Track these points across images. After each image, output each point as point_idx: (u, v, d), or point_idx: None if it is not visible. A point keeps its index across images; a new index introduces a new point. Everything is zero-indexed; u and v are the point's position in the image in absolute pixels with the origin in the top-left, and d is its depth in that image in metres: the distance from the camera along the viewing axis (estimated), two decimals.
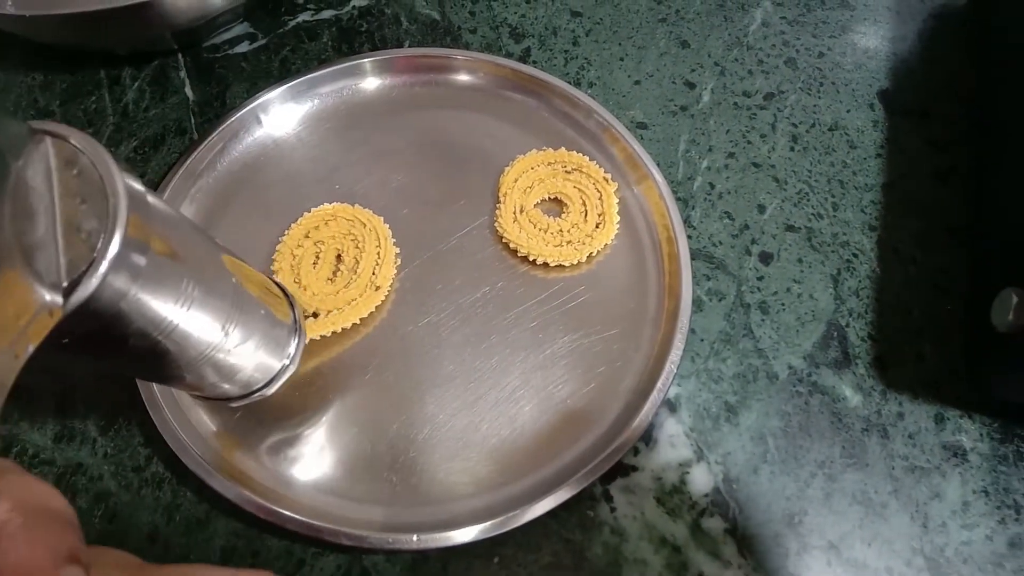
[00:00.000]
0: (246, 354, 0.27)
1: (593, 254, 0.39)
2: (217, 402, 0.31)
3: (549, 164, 0.41)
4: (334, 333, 0.36)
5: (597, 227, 0.39)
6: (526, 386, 0.36)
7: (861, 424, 0.35)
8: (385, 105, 0.44)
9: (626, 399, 0.36)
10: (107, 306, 0.19)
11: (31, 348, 0.17)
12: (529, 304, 0.38)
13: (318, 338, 0.36)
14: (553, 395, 0.36)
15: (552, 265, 0.38)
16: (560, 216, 0.40)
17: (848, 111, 0.44)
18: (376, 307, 0.37)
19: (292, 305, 0.32)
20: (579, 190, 0.40)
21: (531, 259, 0.39)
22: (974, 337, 0.36)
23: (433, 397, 0.36)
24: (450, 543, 0.32)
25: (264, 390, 0.31)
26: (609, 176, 0.40)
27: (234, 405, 0.31)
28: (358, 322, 0.37)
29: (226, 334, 0.25)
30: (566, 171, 0.41)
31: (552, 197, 0.41)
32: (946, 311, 0.38)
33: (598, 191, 0.40)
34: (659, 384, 0.35)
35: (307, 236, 0.38)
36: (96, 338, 0.20)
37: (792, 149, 0.43)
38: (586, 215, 0.39)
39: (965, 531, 0.33)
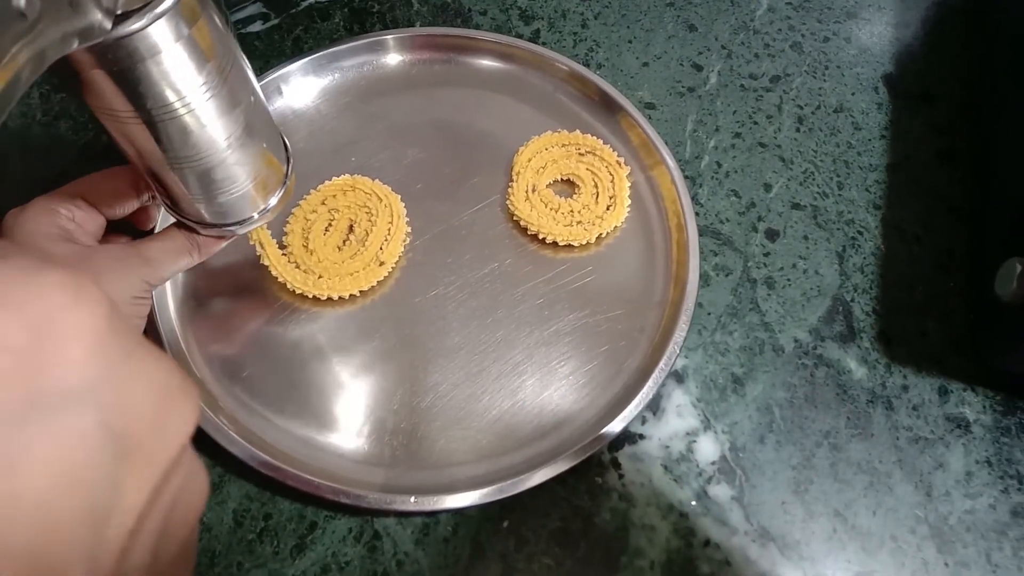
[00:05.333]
0: (237, 176, 0.29)
1: (602, 235, 0.39)
2: (188, 227, 0.31)
3: (563, 146, 0.41)
4: (340, 298, 0.37)
5: (608, 209, 0.40)
6: (529, 360, 0.36)
7: (866, 396, 0.36)
8: (404, 82, 0.44)
9: (628, 375, 0.36)
10: (145, 50, 0.22)
11: (76, 44, 0.19)
12: (537, 282, 0.38)
13: (316, 297, 0.37)
14: (556, 370, 0.36)
15: (561, 244, 0.39)
16: (572, 197, 0.40)
17: (853, 94, 0.45)
18: (379, 281, 0.38)
19: (289, 159, 0.32)
20: (592, 172, 0.40)
21: (541, 238, 0.39)
22: (978, 310, 0.37)
23: (437, 367, 0.36)
24: (444, 506, 0.32)
25: (235, 227, 0.31)
26: (622, 160, 0.41)
27: (203, 233, 0.31)
28: (357, 294, 0.37)
29: (228, 146, 0.27)
30: (580, 153, 0.41)
31: (565, 178, 0.41)
32: (949, 287, 0.39)
33: (610, 174, 0.40)
34: (666, 355, 0.35)
35: (323, 203, 0.39)
36: (127, 79, 0.22)
37: (798, 130, 0.44)
38: (597, 197, 0.40)
39: (968, 500, 0.34)
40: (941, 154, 0.43)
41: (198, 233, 0.31)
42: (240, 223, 0.31)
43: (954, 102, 0.45)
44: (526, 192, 0.40)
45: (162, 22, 0.21)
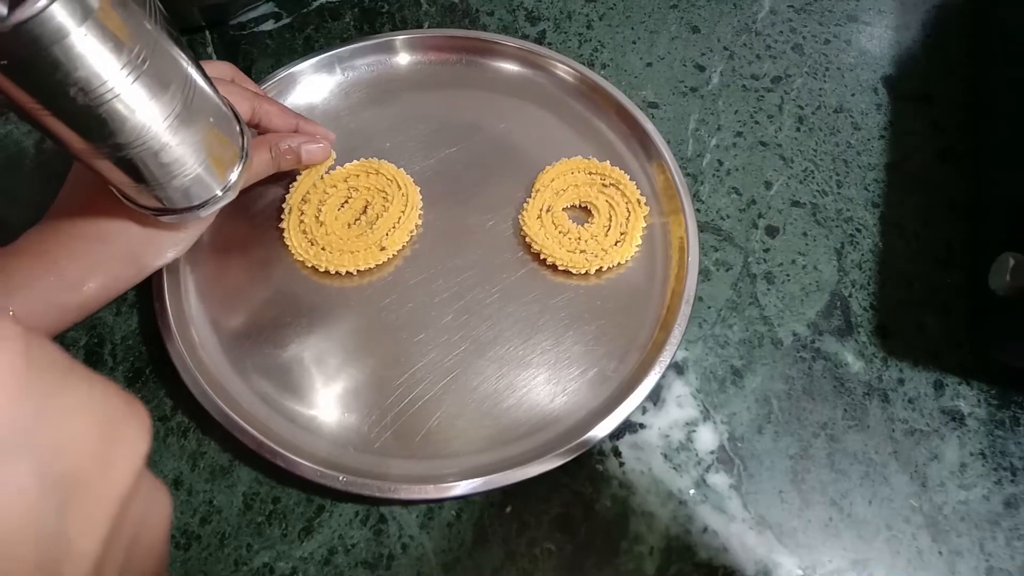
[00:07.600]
0: (186, 156, 0.28)
1: (603, 269, 0.39)
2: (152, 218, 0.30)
3: (590, 173, 0.41)
4: (338, 273, 0.38)
5: (616, 244, 0.39)
6: (529, 353, 0.37)
7: (862, 389, 0.37)
8: (447, 81, 0.45)
9: (630, 367, 0.37)
10: (47, 37, 0.20)
11: None
12: (527, 299, 0.39)
13: (316, 268, 0.38)
14: (557, 362, 0.37)
15: (560, 268, 0.39)
16: (584, 224, 0.40)
17: (852, 95, 0.46)
18: (377, 264, 0.39)
19: (243, 132, 0.31)
20: (609, 204, 0.40)
21: (542, 257, 0.39)
22: (974, 305, 0.38)
23: (435, 358, 0.37)
24: (448, 495, 0.33)
25: (197, 211, 0.30)
26: (643, 199, 0.40)
27: (163, 219, 0.31)
28: (354, 272, 0.38)
29: (168, 126, 0.26)
30: (603, 184, 0.41)
31: (583, 205, 0.41)
32: (946, 283, 0.39)
33: (628, 211, 0.40)
34: (666, 347, 0.36)
35: (345, 180, 0.40)
36: (34, 72, 0.21)
37: (798, 129, 0.44)
38: (608, 230, 0.40)
39: (963, 491, 0.34)
40: (940, 153, 0.44)
41: (157, 224, 0.31)
42: (203, 204, 0.30)
43: (953, 102, 0.45)
44: (540, 211, 0.40)
45: (60, 4, 0.20)
